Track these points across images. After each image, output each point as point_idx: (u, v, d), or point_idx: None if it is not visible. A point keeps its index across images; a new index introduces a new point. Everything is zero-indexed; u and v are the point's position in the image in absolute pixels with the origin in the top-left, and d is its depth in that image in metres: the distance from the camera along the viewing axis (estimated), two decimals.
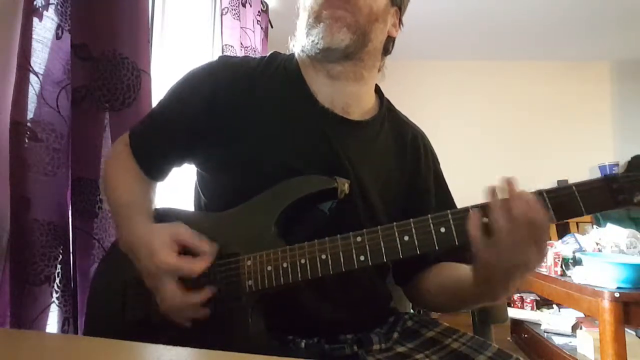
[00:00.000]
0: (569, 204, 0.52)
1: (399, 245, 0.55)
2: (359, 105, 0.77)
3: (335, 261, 0.57)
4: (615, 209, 0.51)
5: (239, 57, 0.82)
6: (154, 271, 0.60)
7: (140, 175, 0.76)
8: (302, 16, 0.75)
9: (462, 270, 0.68)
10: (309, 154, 0.69)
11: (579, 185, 0.52)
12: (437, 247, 0.54)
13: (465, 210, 0.54)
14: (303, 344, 0.68)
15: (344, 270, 0.57)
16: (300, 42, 0.74)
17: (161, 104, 0.78)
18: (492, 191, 0.53)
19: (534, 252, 0.52)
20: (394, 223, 0.56)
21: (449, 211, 0.55)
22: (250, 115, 0.71)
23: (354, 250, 0.56)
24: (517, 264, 0.53)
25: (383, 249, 0.56)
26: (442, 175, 0.84)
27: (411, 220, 0.56)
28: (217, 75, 0.74)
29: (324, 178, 0.65)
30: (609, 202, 0.51)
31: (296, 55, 0.78)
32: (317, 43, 0.70)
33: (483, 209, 0.53)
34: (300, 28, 0.75)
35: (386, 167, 0.76)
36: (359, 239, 0.57)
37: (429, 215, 0.55)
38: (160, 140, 0.76)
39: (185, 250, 0.61)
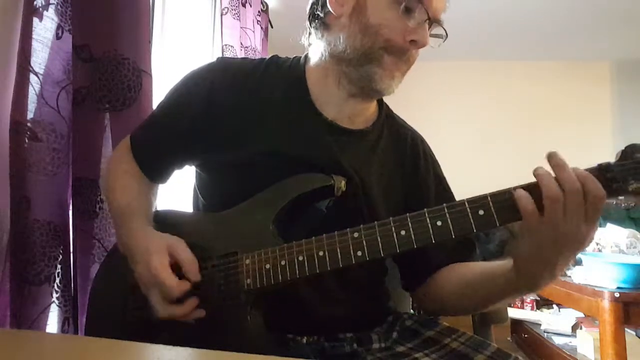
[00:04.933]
0: None
1: (395, 240, 0.55)
2: (364, 115, 0.77)
3: (332, 257, 0.57)
4: (610, 197, 0.50)
5: (238, 58, 0.80)
6: (146, 279, 0.61)
7: (142, 178, 0.76)
8: (360, 28, 0.67)
9: (486, 266, 0.67)
10: (311, 161, 0.69)
11: None
12: (433, 241, 0.54)
13: (461, 203, 0.54)
14: (303, 342, 0.68)
15: (341, 266, 0.57)
16: (336, 51, 0.69)
17: (161, 106, 0.78)
18: (540, 169, 0.51)
19: (585, 230, 0.49)
20: (391, 218, 0.56)
21: (444, 205, 0.55)
22: (249, 119, 0.71)
23: (351, 246, 0.56)
24: (567, 243, 0.50)
25: (380, 243, 0.56)
26: (444, 177, 0.83)
27: (407, 215, 0.56)
28: (216, 77, 0.73)
29: (321, 176, 0.65)
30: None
31: (311, 60, 0.75)
32: (372, 81, 0.67)
33: (527, 189, 0.51)
34: (352, 37, 0.67)
35: (388, 172, 0.76)
36: (355, 234, 0.57)
37: (425, 210, 0.55)
38: (161, 142, 0.76)
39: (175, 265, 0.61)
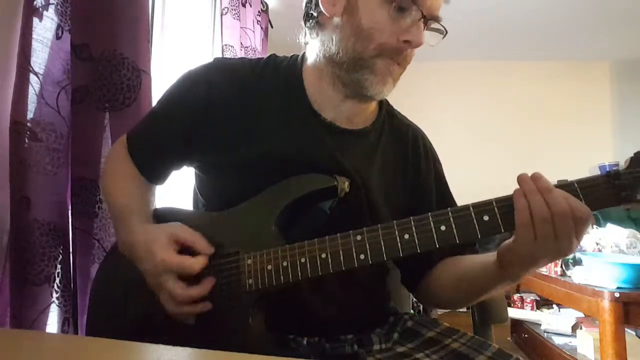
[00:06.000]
0: None
1: (399, 244, 0.55)
2: (364, 114, 0.76)
3: (335, 260, 0.57)
4: (618, 205, 0.49)
5: (235, 58, 0.80)
6: (154, 271, 0.61)
7: (139, 178, 0.76)
8: (352, 31, 0.65)
9: (474, 259, 0.68)
10: (311, 162, 0.68)
11: (580, 182, 0.51)
12: (437, 245, 0.54)
13: (466, 208, 0.54)
14: (304, 343, 0.68)
15: (344, 269, 0.56)
16: (329, 53, 0.68)
17: (157, 106, 0.77)
18: (525, 178, 0.52)
19: (574, 243, 0.51)
20: (394, 221, 0.56)
21: (449, 209, 0.54)
22: (247, 119, 0.70)
23: (354, 249, 0.56)
24: (556, 255, 0.53)
25: (383, 247, 0.55)
26: (443, 175, 0.83)
27: (411, 218, 0.55)
28: (212, 77, 0.72)
29: (324, 176, 0.64)
30: (612, 199, 0.49)
31: (307, 60, 0.74)
32: (364, 88, 0.67)
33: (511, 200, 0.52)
34: (345, 40, 0.66)
35: (389, 171, 0.76)
36: (358, 237, 0.57)
37: (429, 213, 0.55)
38: (158, 143, 0.75)
39: (184, 250, 0.62)
